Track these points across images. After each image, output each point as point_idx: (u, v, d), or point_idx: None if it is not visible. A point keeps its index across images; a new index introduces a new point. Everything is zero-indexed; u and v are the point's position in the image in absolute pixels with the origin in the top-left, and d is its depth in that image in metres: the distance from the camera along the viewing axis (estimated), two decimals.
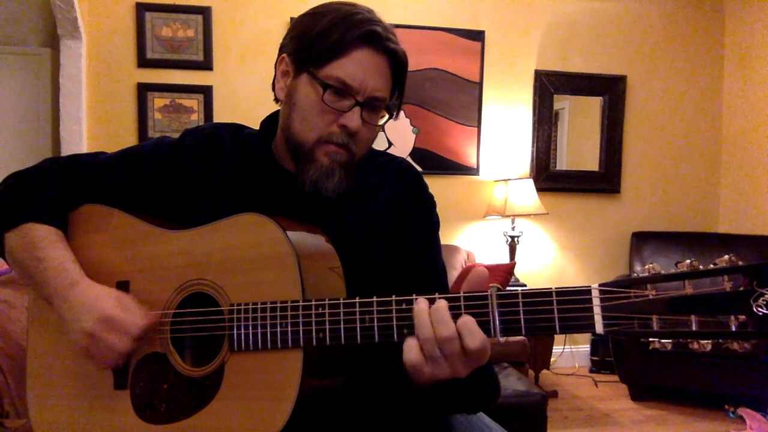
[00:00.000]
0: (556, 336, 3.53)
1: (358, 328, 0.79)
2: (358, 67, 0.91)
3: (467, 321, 0.73)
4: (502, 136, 3.98)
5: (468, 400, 0.93)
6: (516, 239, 3.72)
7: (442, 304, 0.75)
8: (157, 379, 0.91)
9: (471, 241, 3.92)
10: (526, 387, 2.17)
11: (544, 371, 3.68)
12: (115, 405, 0.93)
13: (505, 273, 3.37)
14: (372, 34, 0.91)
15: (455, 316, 0.74)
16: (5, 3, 3.44)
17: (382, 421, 0.98)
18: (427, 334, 0.75)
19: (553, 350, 3.75)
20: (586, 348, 4.05)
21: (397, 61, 0.95)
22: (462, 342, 0.73)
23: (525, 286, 3.66)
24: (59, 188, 1.01)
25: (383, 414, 0.98)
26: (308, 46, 0.92)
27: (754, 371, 3.01)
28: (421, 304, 0.76)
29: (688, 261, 0.63)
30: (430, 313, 0.75)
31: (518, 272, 3.75)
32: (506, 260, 3.73)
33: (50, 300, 0.93)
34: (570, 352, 4.07)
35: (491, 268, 3.39)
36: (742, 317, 0.61)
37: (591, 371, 3.92)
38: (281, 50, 0.99)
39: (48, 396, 0.99)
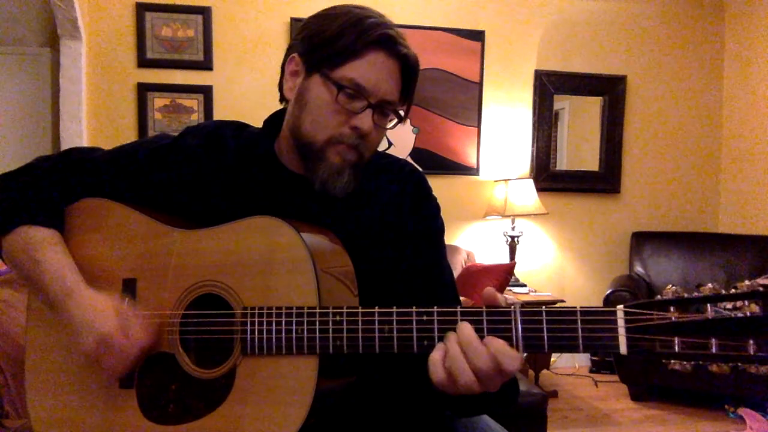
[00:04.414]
0: None
1: (377, 338, 0.78)
2: (371, 70, 0.92)
3: (499, 346, 0.72)
4: (502, 136, 3.98)
5: (495, 405, 0.94)
6: (516, 239, 3.72)
7: (467, 332, 0.74)
8: (165, 380, 0.89)
9: (471, 241, 3.92)
10: (526, 387, 2.17)
11: (544, 371, 3.69)
12: (121, 404, 0.91)
13: (505, 273, 3.37)
14: (386, 38, 0.92)
15: (478, 331, 0.74)
16: (5, 3, 3.42)
17: (388, 420, 0.98)
18: (467, 380, 0.73)
19: None
20: None
21: (408, 66, 0.96)
22: (501, 367, 0.72)
23: (525, 286, 3.68)
24: (53, 188, 0.99)
25: (391, 412, 0.98)
26: (321, 47, 0.93)
27: (755, 371, 3.02)
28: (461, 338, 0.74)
29: (710, 285, 0.63)
30: (460, 344, 0.74)
31: (518, 272, 3.76)
32: (506, 260, 3.74)
33: (51, 306, 0.92)
34: None
35: (491, 268, 3.39)
36: (760, 341, 0.62)
37: (591, 371, 3.93)
38: (290, 50, 0.99)
39: (48, 392, 0.96)
